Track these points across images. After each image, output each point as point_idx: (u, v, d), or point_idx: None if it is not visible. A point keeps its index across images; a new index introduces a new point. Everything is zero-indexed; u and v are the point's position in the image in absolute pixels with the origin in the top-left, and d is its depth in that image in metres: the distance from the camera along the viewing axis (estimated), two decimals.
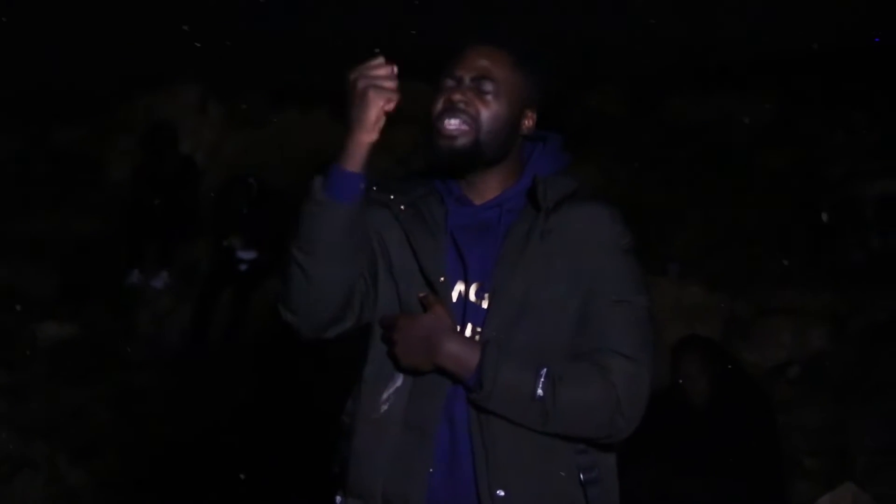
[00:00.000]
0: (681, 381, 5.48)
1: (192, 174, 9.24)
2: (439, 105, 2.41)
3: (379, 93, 2.26)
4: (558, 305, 2.35)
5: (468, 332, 2.37)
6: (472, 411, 2.33)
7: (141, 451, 6.62)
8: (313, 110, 10.59)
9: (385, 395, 2.39)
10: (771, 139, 10.02)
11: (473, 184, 2.47)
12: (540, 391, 2.26)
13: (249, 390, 7.00)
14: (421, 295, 2.38)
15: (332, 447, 2.49)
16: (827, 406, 6.85)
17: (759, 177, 9.50)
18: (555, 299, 2.35)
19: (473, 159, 2.41)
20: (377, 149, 2.30)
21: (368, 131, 2.28)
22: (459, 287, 2.41)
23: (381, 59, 2.29)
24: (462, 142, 2.38)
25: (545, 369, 2.28)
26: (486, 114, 2.39)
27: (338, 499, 2.46)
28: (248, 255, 8.35)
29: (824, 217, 8.47)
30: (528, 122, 2.48)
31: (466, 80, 2.41)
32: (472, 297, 2.39)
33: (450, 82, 2.42)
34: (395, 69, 2.29)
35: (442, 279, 2.38)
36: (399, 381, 2.38)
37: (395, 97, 2.27)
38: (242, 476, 5.88)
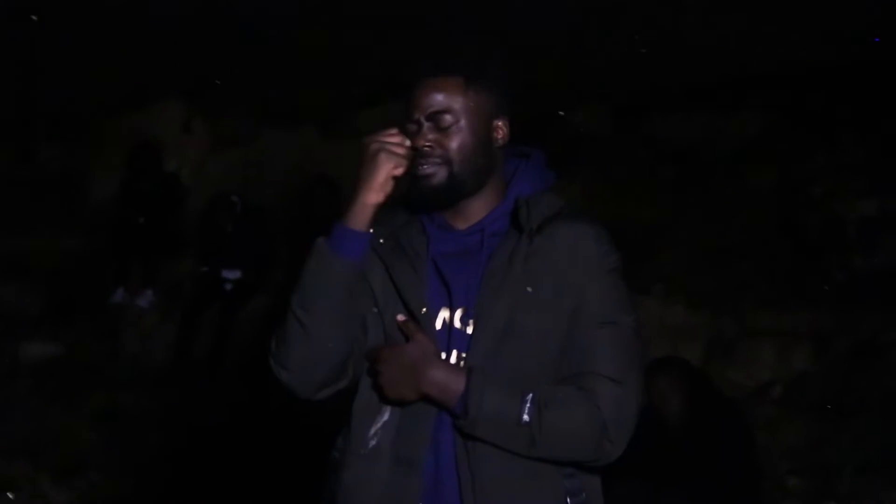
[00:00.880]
0: (653, 401, 5.48)
1: (176, 193, 9.23)
2: None
3: (390, 157, 2.34)
4: (543, 328, 2.34)
5: (453, 359, 2.37)
6: (458, 438, 2.33)
7: (125, 471, 6.60)
8: (298, 129, 10.60)
9: (373, 430, 2.39)
10: (755, 158, 10.05)
11: (457, 210, 2.47)
12: (526, 416, 2.26)
13: (234, 410, 6.98)
14: (400, 319, 2.39)
15: (321, 483, 2.49)
16: (810, 425, 6.86)
17: (742, 196, 9.54)
18: (540, 322, 2.34)
19: (456, 192, 2.42)
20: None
21: (375, 192, 2.34)
22: (444, 314, 2.40)
23: (395, 130, 2.37)
24: (438, 178, 2.40)
25: (531, 394, 2.27)
26: (452, 147, 2.40)
27: None
28: (232, 274, 8.34)
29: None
30: (501, 133, 2.47)
31: (423, 121, 2.42)
32: (456, 323, 2.39)
33: (411, 127, 2.43)
34: (408, 141, 2.37)
35: (424, 310, 2.38)
36: (386, 415, 2.38)
37: (403, 164, 2.35)
38: (227, 496, 5.87)
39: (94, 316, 8.71)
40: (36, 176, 10.70)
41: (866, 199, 8.48)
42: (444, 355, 2.37)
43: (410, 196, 2.45)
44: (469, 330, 2.37)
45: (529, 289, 2.34)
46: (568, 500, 2.36)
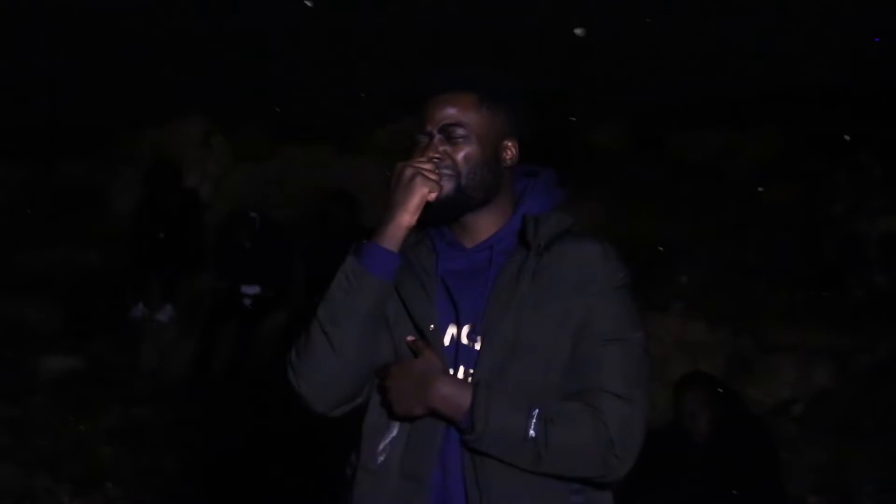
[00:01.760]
0: (682, 418, 5.46)
1: (196, 208, 9.25)
2: None
3: (425, 182, 2.38)
4: (550, 345, 2.35)
5: (461, 375, 2.38)
6: (465, 454, 2.33)
7: (143, 485, 6.61)
8: (316, 145, 10.63)
9: (381, 446, 2.40)
10: (774, 175, 10.04)
11: (465, 226, 2.49)
12: (532, 432, 2.26)
13: (252, 425, 6.99)
14: (409, 339, 2.40)
15: (337, 497, 2.49)
16: (831, 444, 6.83)
17: (762, 213, 9.52)
18: (547, 339, 2.35)
19: (462, 204, 2.44)
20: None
21: (410, 214, 2.38)
22: (452, 330, 2.42)
23: (425, 158, 2.42)
24: (446, 190, 2.41)
25: (537, 410, 2.27)
26: (461, 159, 2.43)
27: None
28: (251, 289, 8.35)
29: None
30: (510, 153, 2.50)
31: (435, 133, 2.45)
32: (464, 339, 2.40)
33: (422, 139, 2.47)
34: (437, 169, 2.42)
35: (432, 326, 2.40)
36: (395, 430, 2.40)
37: (437, 189, 2.39)
38: None
39: (113, 330, 8.73)
40: (56, 191, 10.76)
41: (886, 217, 8.45)
42: (451, 371, 2.38)
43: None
44: (477, 346, 2.38)
45: (537, 306, 2.35)
46: None
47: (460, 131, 2.43)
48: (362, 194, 8.66)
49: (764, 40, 10.06)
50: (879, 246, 8.34)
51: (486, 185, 2.45)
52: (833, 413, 7.15)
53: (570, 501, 2.35)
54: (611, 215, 9.13)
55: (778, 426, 6.87)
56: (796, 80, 10.21)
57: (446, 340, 2.41)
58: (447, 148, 2.43)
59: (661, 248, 8.78)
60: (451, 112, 2.44)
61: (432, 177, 2.39)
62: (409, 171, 2.39)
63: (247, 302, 8.35)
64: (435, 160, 2.42)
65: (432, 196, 2.38)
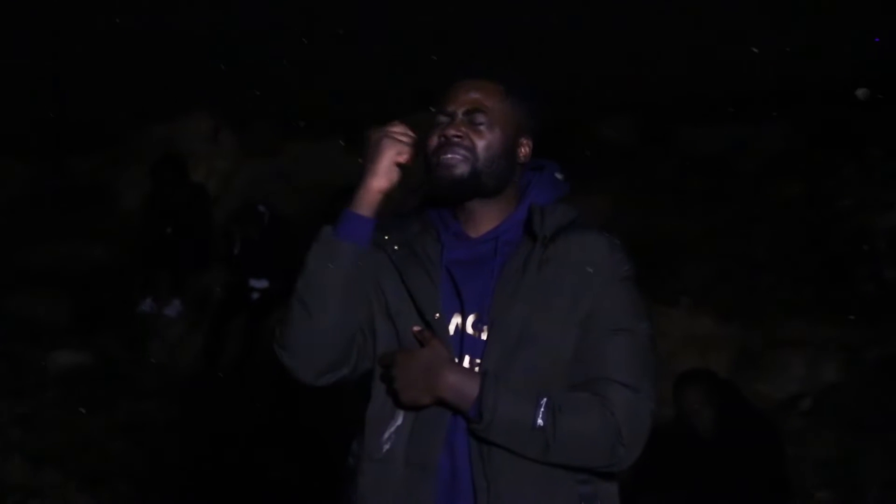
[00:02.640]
0: (683, 416, 5.46)
1: (204, 203, 9.26)
2: (435, 141, 2.45)
3: (393, 143, 2.40)
4: (557, 335, 2.35)
5: (466, 364, 2.38)
6: (473, 443, 2.33)
7: (152, 480, 6.62)
8: (324, 140, 10.63)
9: (386, 435, 2.39)
10: (783, 170, 10.03)
11: (472, 216, 2.48)
12: (540, 421, 2.27)
13: (260, 419, 7.00)
14: (415, 329, 2.40)
15: (338, 488, 2.49)
16: (839, 438, 6.82)
17: (770, 207, 9.51)
18: (553, 329, 2.35)
19: (473, 188, 2.43)
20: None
21: (379, 177, 2.40)
22: (456, 320, 2.41)
23: (398, 122, 2.44)
24: (460, 171, 2.41)
25: (545, 399, 2.28)
26: (481, 144, 2.42)
27: None
28: (259, 283, 8.36)
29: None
30: (525, 150, 2.51)
31: (459, 114, 2.45)
32: (469, 329, 2.40)
33: (443, 118, 2.47)
34: (412, 131, 2.43)
35: (437, 315, 2.39)
36: (400, 419, 2.39)
37: (406, 150, 2.40)
38: None
39: (122, 325, 8.75)
40: (65, 187, 10.79)
41: (894, 212, 8.43)
42: (456, 360, 2.38)
43: (428, 184, 2.47)
44: (483, 336, 2.38)
45: (543, 295, 2.36)
46: None
47: (482, 117, 2.44)
48: None
49: (772, 36, 10.04)
50: (888, 240, 8.32)
51: (500, 176, 2.45)
52: (841, 407, 7.13)
53: (577, 491, 2.36)
54: (618, 210, 9.12)
55: (786, 421, 6.86)
56: (804, 75, 10.20)
57: (451, 330, 2.41)
58: (468, 129, 2.43)
59: (668, 243, 8.77)
60: (476, 97, 2.46)
61: (402, 139, 2.41)
62: (376, 135, 2.42)
63: (255, 296, 8.35)
64: (455, 138, 2.42)
65: (402, 158, 2.40)
